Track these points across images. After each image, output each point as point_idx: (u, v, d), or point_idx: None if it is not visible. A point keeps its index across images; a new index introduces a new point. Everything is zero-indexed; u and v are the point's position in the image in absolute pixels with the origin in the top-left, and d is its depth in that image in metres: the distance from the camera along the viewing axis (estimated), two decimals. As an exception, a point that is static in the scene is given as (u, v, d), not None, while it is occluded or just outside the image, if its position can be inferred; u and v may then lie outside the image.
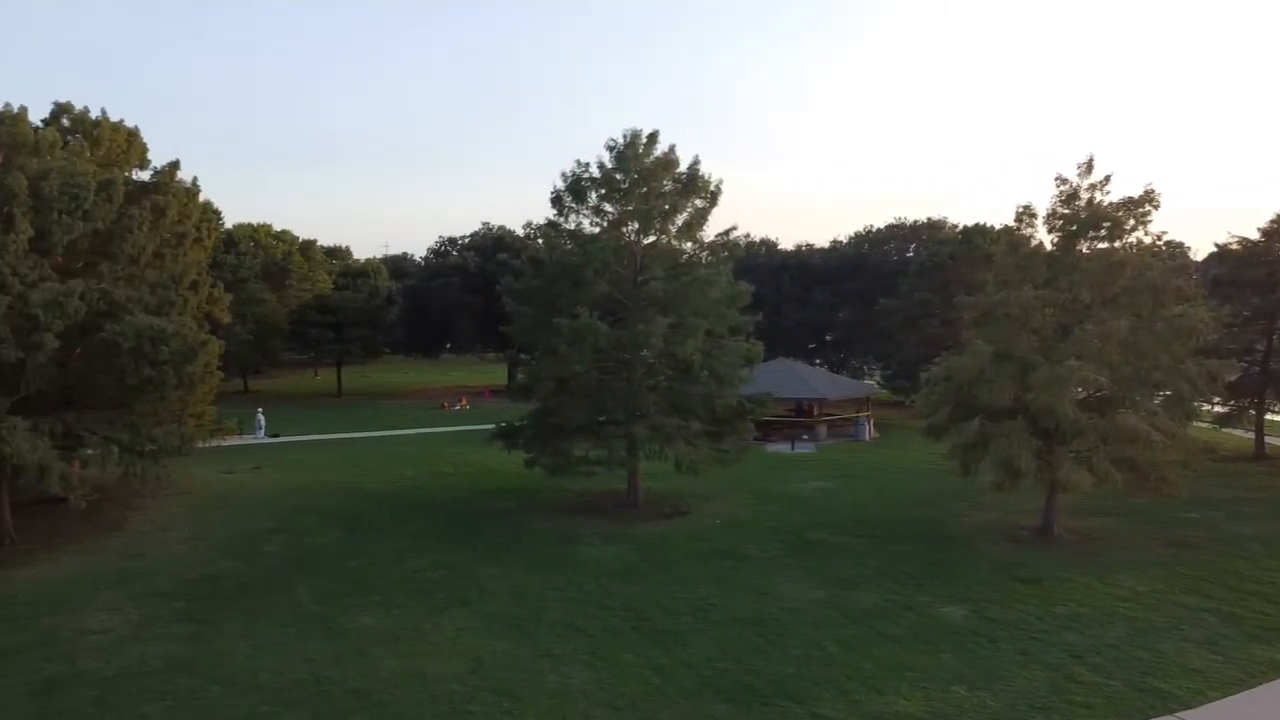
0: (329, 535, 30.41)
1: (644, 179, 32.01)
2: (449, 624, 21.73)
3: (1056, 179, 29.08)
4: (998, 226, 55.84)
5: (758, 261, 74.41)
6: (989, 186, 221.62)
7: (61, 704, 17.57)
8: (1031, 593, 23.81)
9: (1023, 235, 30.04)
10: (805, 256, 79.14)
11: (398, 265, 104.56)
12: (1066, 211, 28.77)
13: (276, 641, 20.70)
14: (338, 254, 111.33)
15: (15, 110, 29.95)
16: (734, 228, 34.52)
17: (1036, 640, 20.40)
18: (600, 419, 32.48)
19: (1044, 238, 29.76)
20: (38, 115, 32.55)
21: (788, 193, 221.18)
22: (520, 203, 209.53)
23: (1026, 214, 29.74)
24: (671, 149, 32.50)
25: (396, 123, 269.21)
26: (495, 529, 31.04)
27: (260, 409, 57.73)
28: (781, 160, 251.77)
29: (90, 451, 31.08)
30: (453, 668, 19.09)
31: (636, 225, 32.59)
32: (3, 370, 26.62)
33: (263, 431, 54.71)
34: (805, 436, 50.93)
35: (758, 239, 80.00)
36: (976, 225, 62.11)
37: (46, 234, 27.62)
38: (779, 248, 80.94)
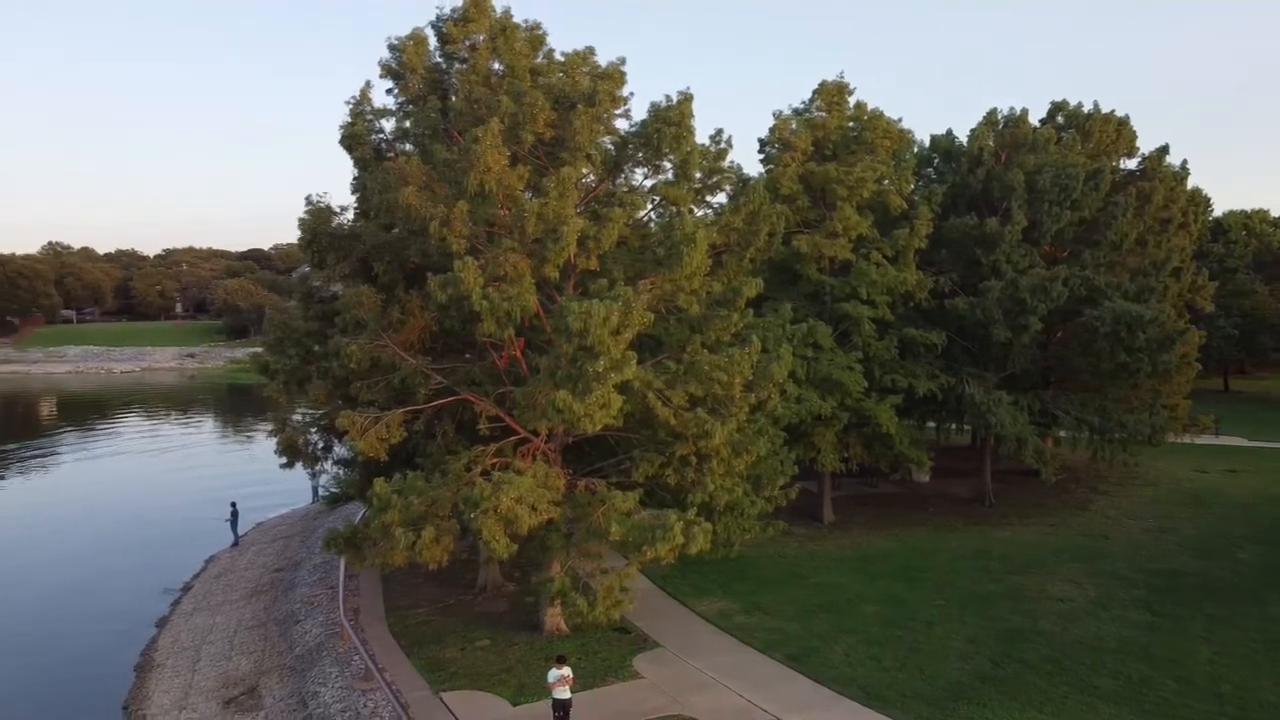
0: (1316, 555, 26.43)
1: None
2: None
3: None
4: None
5: None
6: None
7: (1021, 653, 19.20)
8: None
9: None
10: None
11: None
12: None
13: (1243, 654, 18.97)
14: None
15: (1017, 112, 33.10)
16: None
17: None
18: None
19: None
20: (1036, 115, 35.32)
21: None
22: None
23: None
24: None
25: None
26: None
27: None
28: None
29: (1062, 432, 32.76)
30: None
31: None
32: (993, 349, 29.93)
33: None
34: None
35: None
36: None
37: (1037, 224, 30.05)
38: None
